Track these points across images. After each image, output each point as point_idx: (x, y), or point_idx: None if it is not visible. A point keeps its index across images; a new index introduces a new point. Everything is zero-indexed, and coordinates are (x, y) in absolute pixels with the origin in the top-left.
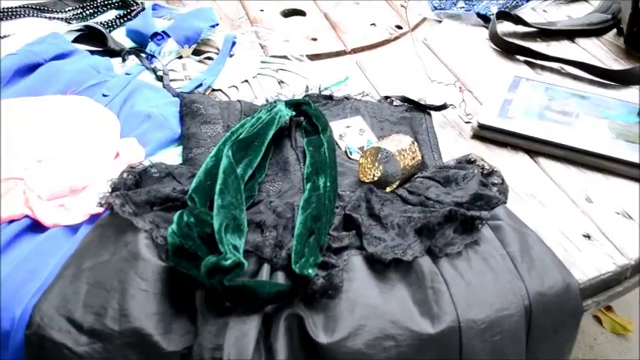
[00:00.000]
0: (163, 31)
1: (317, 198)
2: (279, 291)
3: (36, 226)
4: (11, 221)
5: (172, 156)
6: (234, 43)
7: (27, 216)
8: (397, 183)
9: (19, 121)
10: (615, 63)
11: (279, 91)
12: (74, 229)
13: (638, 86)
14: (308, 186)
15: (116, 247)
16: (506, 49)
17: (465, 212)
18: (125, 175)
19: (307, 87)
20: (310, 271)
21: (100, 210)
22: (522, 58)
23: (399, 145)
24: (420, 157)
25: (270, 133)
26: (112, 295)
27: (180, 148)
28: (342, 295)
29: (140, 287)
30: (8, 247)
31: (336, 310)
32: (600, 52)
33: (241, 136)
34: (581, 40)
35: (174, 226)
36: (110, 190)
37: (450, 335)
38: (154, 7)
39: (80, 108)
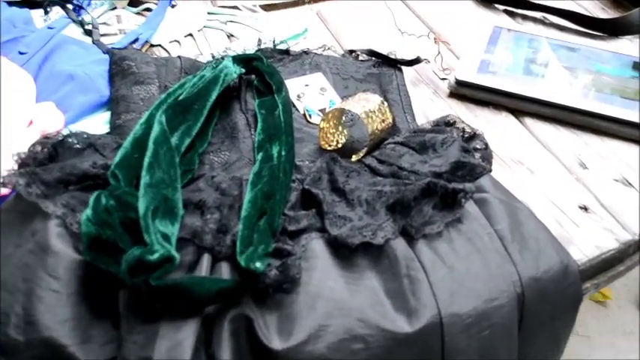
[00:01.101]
0: None
1: (269, 170)
2: (221, 288)
3: None
4: None
5: (98, 123)
6: None
7: None
8: (365, 150)
9: None
10: (602, 12)
11: (227, 46)
12: None
13: (630, 37)
14: (259, 156)
15: (21, 237)
16: None
17: (445, 184)
18: (37, 147)
19: (260, 40)
20: (258, 264)
21: (7, 191)
22: (502, 7)
23: (367, 105)
24: (390, 120)
25: (214, 94)
26: (16, 297)
27: (107, 114)
28: (299, 289)
29: (50, 287)
30: None
31: (293, 307)
32: (585, 0)
33: (179, 99)
34: None
35: (89, 212)
36: (16, 166)
37: (430, 333)
38: None
39: None
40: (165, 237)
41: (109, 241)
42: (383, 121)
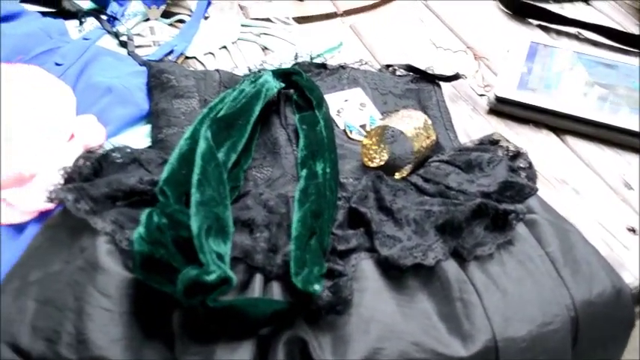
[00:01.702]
0: None
1: (316, 188)
2: (276, 310)
3: None
4: None
5: (138, 137)
6: (209, 4)
7: None
8: (410, 168)
9: None
10: (636, 27)
11: (263, 59)
12: (19, 229)
13: None
14: (304, 173)
15: (70, 254)
16: (518, 11)
17: (496, 205)
18: (81, 161)
19: (297, 54)
20: (317, 287)
21: (52, 206)
22: (535, 22)
23: (411, 122)
24: (434, 137)
25: (257, 109)
26: (67, 315)
27: (147, 128)
28: (351, 310)
29: (101, 305)
30: None
31: (346, 329)
32: (618, 15)
33: (222, 113)
34: (596, 2)
35: (141, 230)
36: (62, 181)
37: (486, 358)
38: None
39: (28, 79)
40: (220, 257)
41: (162, 260)
42: (427, 138)
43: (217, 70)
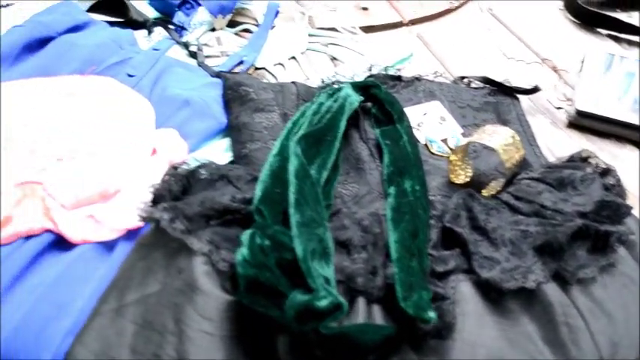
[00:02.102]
0: None
1: (409, 207)
2: (384, 336)
3: (60, 243)
4: (29, 237)
5: (218, 151)
6: (277, 13)
7: (48, 230)
8: (500, 185)
9: (32, 108)
10: None
11: (335, 71)
12: (109, 247)
13: None
14: (392, 190)
15: (167, 275)
16: (587, 20)
17: (597, 227)
18: (170, 179)
19: (371, 66)
20: (432, 314)
21: (141, 224)
22: (605, 32)
23: (499, 137)
24: (523, 153)
25: (343, 125)
26: (167, 338)
27: (225, 142)
28: (455, 335)
29: (202, 329)
30: (27, 271)
31: (451, 355)
32: None
33: (307, 129)
34: None
35: (245, 252)
36: (152, 198)
37: None
38: None
39: (105, 91)
40: (327, 281)
41: (267, 284)
42: (516, 154)
43: (294, 83)
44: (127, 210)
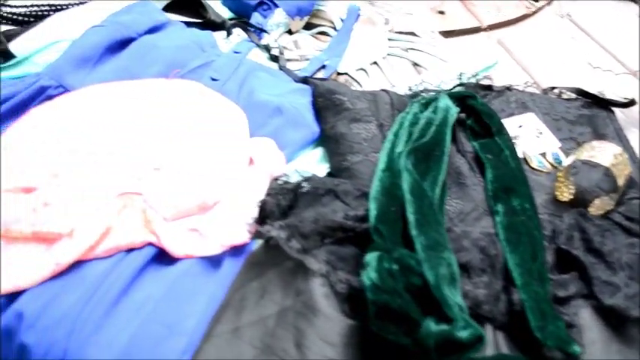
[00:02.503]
0: (270, 0)
1: (524, 227)
2: None
3: (162, 258)
4: (129, 250)
5: (312, 162)
6: (357, 16)
7: (150, 243)
8: (611, 204)
9: (122, 113)
10: None
11: (422, 79)
12: (215, 262)
13: None
14: (499, 208)
15: (284, 296)
16: None
17: None
18: (278, 194)
19: (461, 74)
20: (576, 349)
21: (248, 239)
22: None
23: (606, 154)
24: (630, 170)
25: (449, 139)
26: None
27: (318, 152)
28: None
29: (325, 354)
30: (131, 286)
31: None
32: None
33: (413, 142)
34: None
35: (374, 276)
36: (259, 214)
37: None
38: None
39: (194, 97)
40: (460, 309)
41: (399, 311)
42: (624, 171)
43: (385, 91)
44: (232, 224)
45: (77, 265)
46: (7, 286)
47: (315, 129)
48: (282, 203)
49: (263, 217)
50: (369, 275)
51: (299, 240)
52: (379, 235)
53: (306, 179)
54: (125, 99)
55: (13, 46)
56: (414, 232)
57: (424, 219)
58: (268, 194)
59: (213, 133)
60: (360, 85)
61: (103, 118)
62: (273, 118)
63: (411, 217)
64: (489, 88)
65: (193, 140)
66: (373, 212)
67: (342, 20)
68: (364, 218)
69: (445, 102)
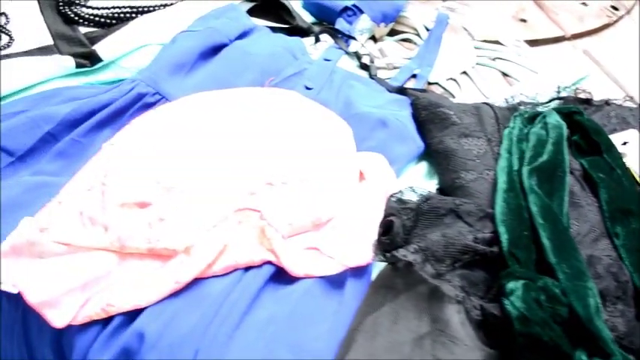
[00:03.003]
0: (354, 5)
1: None
2: None
3: (280, 277)
4: (247, 268)
5: (418, 177)
6: (446, 25)
7: (268, 262)
8: None
9: (227, 124)
10: None
11: (520, 91)
12: (336, 283)
13: None
14: (619, 230)
15: (419, 323)
16: None
17: None
18: (401, 213)
19: (559, 88)
20: None
21: (370, 260)
22: None
23: None
24: None
25: (567, 158)
26: None
27: (422, 167)
28: None
29: None
30: (253, 307)
31: None
32: None
33: (533, 161)
34: None
35: (521, 306)
36: (384, 234)
37: None
38: None
39: (296, 107)
40: (612, 341)
41: (549, 344)
42: None
43: (488, 105)
44: (354, 244)
45: (196, 282)
46: (126, 305)
47: (420, 143)
48: (407, 224)
49: (389, 238)
50: (516, 305)
51: (433, 264)
52: (515, 261)
53: (427, 198)
54: (229, 108)
55: (98, 49)
56: (553, 259)
57: (561, 245)
58: (390, 213)
59: (321, 146)
60: (453, 96)
61: (209, 128)
62: (377, 131)
63: (546, 242)
64: (588, 102)
65: (302, 153)
66: (504, 236)
67: (425, 28)
68: (492, 241)
69: (555, 118)
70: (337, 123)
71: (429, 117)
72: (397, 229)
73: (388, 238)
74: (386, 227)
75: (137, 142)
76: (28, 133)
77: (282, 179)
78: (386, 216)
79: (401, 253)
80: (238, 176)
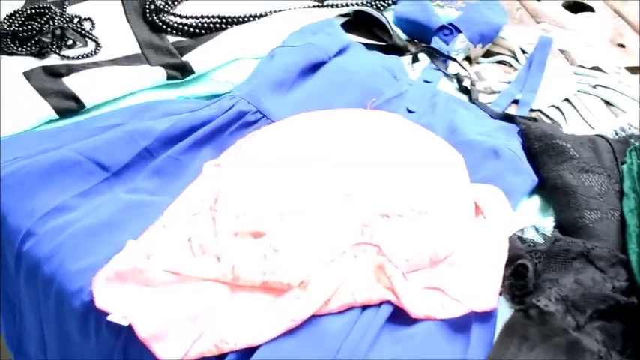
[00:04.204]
0: (451, 24)
1: None
2: None
3: (398, 317)
4: (365, 306)
5: (533, 213)
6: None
7: (387, 302)
8: None
9: (335, 148)
10: None
11: (629, 122)
12: (460, 327)
13: None
14: None
15: None
16: None
17: None
18: (530, 255)
19: None
20: None
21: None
22: None
23: None
24: None
25: None
26: None
27: (535, 201)
28: None
29: None
30: (373, 349)
31: None
32: None
33: None
34: None
35: None
36: (514, 277)
37: None
38: None
39: (403, 132)
40: None
41: None
42: None
43: (604, 138)
44: (479, 285)
45: (312, 320)
46: (240, 342)
47: (534, 176)
48: (538, 268)
49: (523, 283)
50: None
51: (574, 314)
52: None
53: (555, 239)
54: (337, 133)
55: (189, 60)
56: None
57: None
58: (519, 255)
59: (435, 176)
60: (560, 126)
61: (318, 153)
62: (489, 161)
63: None
64: None
65: (416, 183)
66: None
67: (521, 50)
68: (629, 290)
69: None
70: (448, 151)
71: (544, 149)
72: (531, 273)
73: (521, 283)
74: (515, 270)
75: (246, 166)
76: (124, 149)
77: (398, 211)
78: (514, 257)
79: (542, 302)
80: (351, 206)
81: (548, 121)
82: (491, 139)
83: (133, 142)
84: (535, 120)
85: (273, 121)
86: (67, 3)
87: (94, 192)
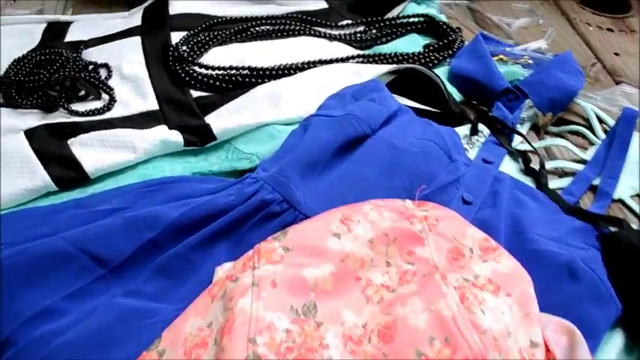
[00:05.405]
0: (516, 87)
1: None
2: None
3: None
4: None
5: (614, 355)
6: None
7: None
8: None
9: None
10: None
11: None
12: None
13: None
14: None
15: None
16: None
17: None
18: None
19: None
20: None
21: None
22: None
23: None
24: None
25: None
26: None
27: (619, 338)
28: None
29: None
30: None
31: None
32: None
33: None
34: None
35: None
36: None
37: None
38: (485, 39)
39: (463, 237)
40: None
41: None
42: None
43: None
44: None
45: None
46: None
47: (618, 304)
48: None
49: None
50: None
51: None
52: None
53: None
54: (380, 247)
55: (211, 123)
56: None
57: None
58: None
59: (498, 306)
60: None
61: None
62: (564, 282)
63: None
64: None
65: (479, 315)
66: None
67: (598, 118)
68: None
69: None
70: (512, 267)
71: (633, 270)
72: None
73: None
74: None
75: (265, 285)
76: (125, 240)
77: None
78: None
79: None
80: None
81: (631, 216)
82: (568, 252)
83: (136, 232)
84: (620, 223)
85: (300, 213)
86: (82, 47)
87: (88, 292)
